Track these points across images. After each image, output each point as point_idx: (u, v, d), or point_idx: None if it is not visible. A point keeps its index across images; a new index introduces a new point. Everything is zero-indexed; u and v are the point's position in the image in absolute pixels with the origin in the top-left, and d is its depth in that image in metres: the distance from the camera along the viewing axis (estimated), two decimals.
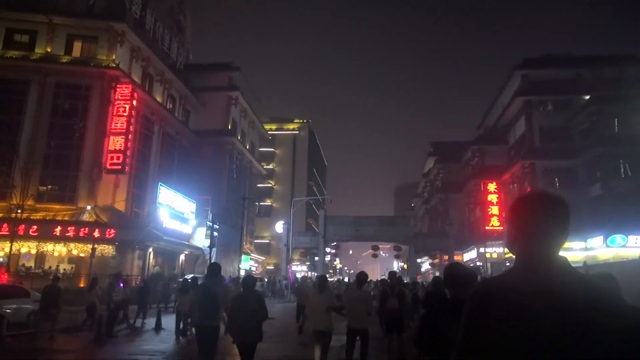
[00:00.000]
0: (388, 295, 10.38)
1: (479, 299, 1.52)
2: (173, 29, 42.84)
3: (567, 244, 1.62)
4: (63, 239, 26.48)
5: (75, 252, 27.09)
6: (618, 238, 28.93)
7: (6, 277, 20.84)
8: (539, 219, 1.57)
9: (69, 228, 26.40)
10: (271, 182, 71.90)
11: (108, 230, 26.57)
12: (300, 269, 58.18)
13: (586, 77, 36.38)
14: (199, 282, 13.63)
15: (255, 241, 58.57)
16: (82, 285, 24.91)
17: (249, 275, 8.27)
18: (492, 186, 40.48)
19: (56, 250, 27.12)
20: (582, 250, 29.94)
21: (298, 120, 78.53)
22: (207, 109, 44.72)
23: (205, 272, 9.54)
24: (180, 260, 36.18)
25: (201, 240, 35.40)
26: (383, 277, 44.45)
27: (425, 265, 59.68)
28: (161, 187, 32.16)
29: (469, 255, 43.84)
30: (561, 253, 1.56)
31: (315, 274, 40.02)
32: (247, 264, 45.76)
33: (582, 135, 34.84)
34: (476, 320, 1.49)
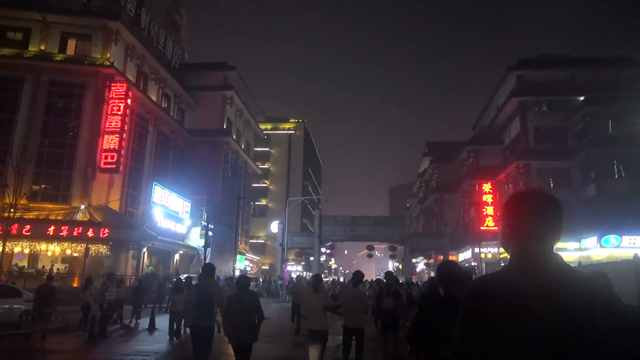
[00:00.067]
0: (384, 295, 10.36)
1: (475, 298, 1.51)
2: (168, 27, 42.78)
3: (561, 244, 1.61)
4: (56, 238, 26.31)
5: (68, 251, 26.91)
6: (612, 238, 29.02)
7: None
8: (532, 217, 1.58)
9: (62, 227, 26.22)
10: (266, 181, 71.80)
11: (102, 229, 26.42)
12: (295, 269, 58.09)
13: (581, 78, 36.53)
14: (193, 282, 13.60)
15: (250, 241, 58.46)
16: (75, 285, 24.77)
17: (243, 275, 8.24)
18: (487, 186, 40.54)
19: (49, 249, 26.93)
20: (577, 250, 30.03)
21: (293, 120, 78.46)
22: (202, 108, 44.58)
23: (200, 272, 9.48)
24: (175, 260, 36.04)
25: (196, 240, 35.29)
26: (378, 277, 44.47)
27: (420, 265, 59.77)
28: (156, 187, 32.00)
29: (464, 256, 43.92)
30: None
31: (311, 274, 39.98)
32: (242, 264, 45.65)
33: (576, 136, 35.00)
34: (473, 319, 1.48)
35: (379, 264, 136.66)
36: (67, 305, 15.54)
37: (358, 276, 8.57)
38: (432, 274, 37.02)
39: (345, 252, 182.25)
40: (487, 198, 40.27)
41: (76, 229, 26.30)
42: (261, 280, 41.03)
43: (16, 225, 25.15)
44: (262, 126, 62.33)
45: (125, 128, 30.40)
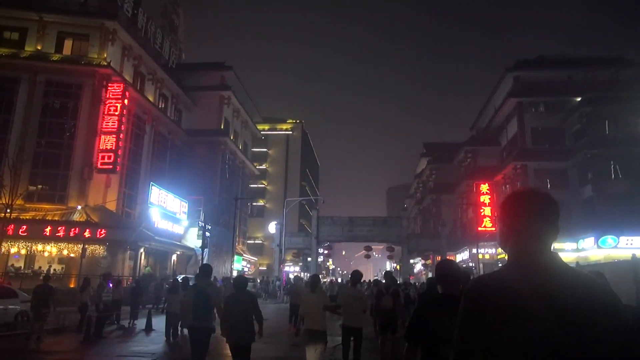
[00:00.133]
0: (383, 294, 10.37)
1: (475, 298, 1.52)
2: (166, 28, 42.69)
3: (558, 245, 1.62)
4: (53, 239, 26.18)
5: (65, 252, 26.79)
6: (609, 239, 29.07)
7: None
8: (530, 216, 1.59)
9: (59, 228, 26.11)
10: (264, 182, 71.72)
11: (99, 230, 26.31)
12: (293, 270, 58.03)
13: (578, 78, 36.61)
14: (190, 283, 13.55)
15: (248, 242, 58.37)
16: (72, 285, 24.67)
17: (240, 275, 8.21)
18: (484, 187, 40.58)
19: (46, 250, 26.80)
20: (574, 251, 30.07)
21: (291, 121, 78.43)
22: (200, 108, 44.51)
23: (197, 273, 9.46)
24: (172, 261, 35.93)
25: (193, 240, 35.18)
26: (376, 277, 44.44)
27: (418, 266, 59.74)
28: (153, 187, 31.90)
29: (462, 256, 43.94)
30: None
31: (308, 275, 39.93)
32: (240, 265, 45.56)
33: (573, 137, 35.05)
34: (472, 319, 1.49)
35: (377, 264, 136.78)
36: (63, 305, 15.44)
37: (356, 276, 8.57)
38: (430, 275, 37.00)
39: (343, 252, 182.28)
40: (485, 199, 40.32)
41: (73, 229, 26.18)
42: (259, 281, 40.96)
43: (12, 225, 25.03)
44: (260, 127, 62.26)
45: (122, 128, 30.30)
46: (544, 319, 1.39)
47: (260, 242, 64.88)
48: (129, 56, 33.71)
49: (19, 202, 26.40)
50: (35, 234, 25.87)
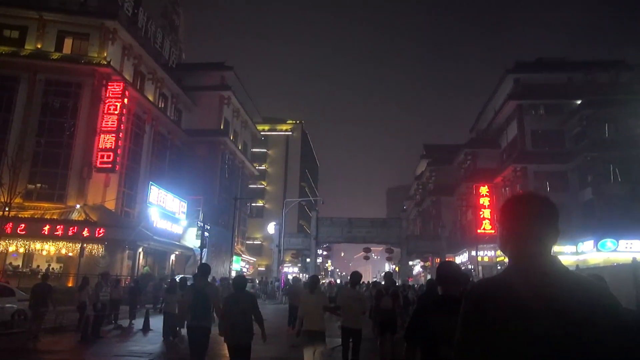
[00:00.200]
0: (382, 295, 10.35)
1: (476, 300, 1.55)
2: (166, 27, 42.67)
3: (558, 248, 1.62)
4: (51, 237, 26.11)
5: (64, 251, 26.72)
6: (609, 242, 29.03)
7: None
8: (529, 220, 1.61)
9: (57, 227, 26.05)
10: (263, 182, 71.67)
11: (97, 229, 26.25)
12: (292, 271, 57.97)
13: (578, 81, 36.60)
14: (188, 283, 13.51)
15: (247, 242, 58.33)
16: (70, 284, 24.61)
17: (240, 275, 8.17)
18: (484, 189, 40.56)
19: (44, 249, 26.72)
20: (573, 254, 30.04)
21: (291, 121, 78.42)
22: (199, 108, 44.48)
23: (196, 273, 9.42)
24: (171, 261, 35.87)
25: (192, 240, 35.11)
26: (375, 279, 44.35)
27: (417, 268, 59.70)
28: (152, 187, 31.86)
29: (461, 259, 43.90)
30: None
31: (307, 276, 39.87)
32: (239, 265, 45.50)
33: (573, 140, 35.04)
34: (473, 320, 1.52)
35: (376, 266, 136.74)
36: (61, 305, 15.39)
37: (356, 277, 8.54)
38: (429, 277, 36.94)
39: (342, 254, 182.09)
40: (484, 201, 40.30)
41: (71, 228, 26.12)
42: (257, 281, 40.90)
43: (11, 224, 24.97)
44: (260, 127, 62.24)
45: (122, 127, 30.26)
46: (544, 319, 1.41)
47: (259, 242, 64.83)
48: (129, 55, 33.68)
49: (18, 200, 26.33)
50: (34, 232, 25.80)
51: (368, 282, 27.08)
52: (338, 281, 55.55)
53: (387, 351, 10.08)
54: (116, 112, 29.82)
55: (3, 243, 24.95)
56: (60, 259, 28.28)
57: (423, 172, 61.99)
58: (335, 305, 8.29)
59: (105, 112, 29.83)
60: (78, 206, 28.11)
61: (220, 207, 41.31)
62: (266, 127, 70.68)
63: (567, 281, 1.49)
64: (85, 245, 25.68)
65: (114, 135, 29.63)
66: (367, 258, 49.10)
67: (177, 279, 17.12)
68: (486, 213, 39.69)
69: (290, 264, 58.96)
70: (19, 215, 26.30)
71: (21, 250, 26.77)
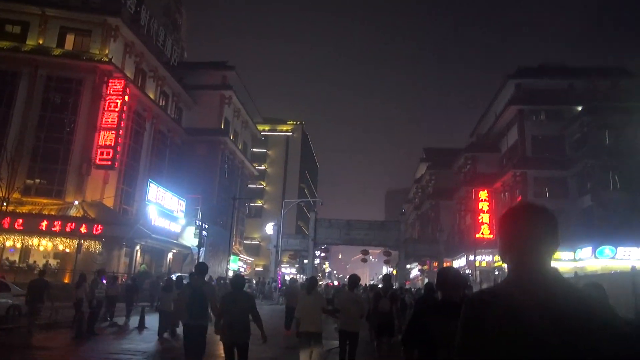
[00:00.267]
0: (380, 297, 10.32)
1: (475, 308, 1.58)
2: (168, 26, 42.67)
3: (556, 254, 1.64)
4: (49, 233, 26.04)
5: (61, 247, 26.66)
6: (607, 250, 29.01)
7: None
8: (528, 231, 1.63)
9: (55, 222, 25.99)
10: (263, 183, 71.62)
11: (95, 226, 26.19)
12: (289, 272, 57.89)
13: (579, 88, 36.61)
14: (184, 281, 13.45)
15: (245, 242, 58.24)
16: (66, 281, 24.54)
17: (238, 275, 8.17)
18: (483, 194, 40.54)
19: (42, 244, 26.68)
20: (571, 260, 30.01)
21: (291, 122, 78.40)
22: (200, 107, 44.43)
23: (193, 271, 9.39)
24: (168, 259, 35.82)
25: (190, 239, 35.09)
26: (372, 281, 44.31)
27: (415, 271, 59.66)
28: (151, 185, 31.83)
29: (459, 263, 43.84)
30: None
31: (305, 277, 39.82)
32: (236, 265, 45.44)
33: (573, 146, 35.00)
34: (473, 327, 1.55)
35: (373, 268, 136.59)
36: (57, 301, 15.32)
37: (354, 280, 8.49)
38: (427, 280, 36.86)
39: (340, 255, 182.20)
40: (483, 206, 40.28)
41: (69, 224, 26.06)
42: (254, 282, 40.83)
43: (8, 219, 24.94)
44: (260, 127, 62.19)
45: (122, 125, 30.22)
46: (541, 328, 1.44)
47: (257, 242, 64.76)
48: (130, 53, 33.66)
49: (16, 195, 26.30)
50: (31, 228, 25.75)
51: (365, 284, 27.02)
52: (335, 283, 55.52)
53: (384, 354, 10.04)
54: (117, 109, 29.79)
55: (0, 238, 24.89)
56: (57, 255, 28.22)
57: (423, 176, 61.96)
58: (334, 307, 8.25)
59: (106, 109, 29.80)
60: (76, 202, 28.05)
61: (219, 207, 41.26)
62: (266, 127, 70.65)
63: (563, 292, 1.53)
64: (82, 241, 25.61)
65: (114, 132, 29.59)
66: (364, 260, 48.99)
67: (174, 277, 17.07)
68: (485, 218, 39.67)
69: (287, 265, 58.91)
70: (17, 210, 26.27)
71: (18, 245, 26.71)
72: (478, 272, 37.32)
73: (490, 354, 1.49)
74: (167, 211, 33.63)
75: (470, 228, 42.03)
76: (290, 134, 76.32)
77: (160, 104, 38.69)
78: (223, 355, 6.93)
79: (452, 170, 51.06)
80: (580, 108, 34.97)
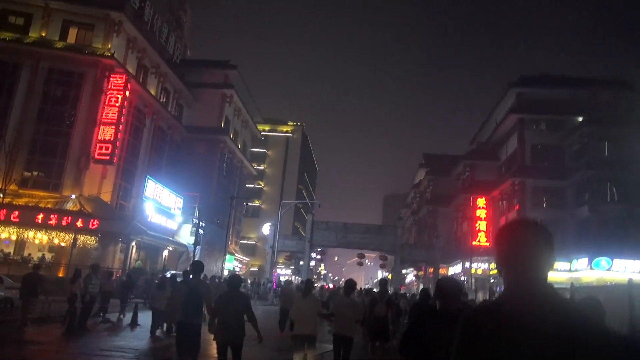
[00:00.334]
0: (376, 301, 10.28)
1: (471, 321, 1.63)
2: (172, 23, 42.59)
3: None
4: (45, 226, 25.88)
5: (56, 241, 26.54)
6: (603, 261, 29.03)
7: None
8: (523, 249, 1.64)
9: (51, 216, 25.84)
10: (261, 183, 71.58)
11: (92, 220, 26.05)
12: (284, 273, 57.79)
13: (580, 98, 36.61)
14: (178, 279, 13.38)
15: (241, 241, 58.12)
16: (61, 275, 24.42)
17: (234, 274, 8.11)
18: (481, 201, 40.55)
19: (37, 237, 26.53)
20: (567, 271, 30.02)
21: (292, 123, 78.41)
22: (201, 105, 44.35)
23: (189, 269, 9.33)
24: (164, 256, 35.70)
25: (186, 237, 34.99)
26: (367, 285, 44.20)
27: (410, 276, 59.61)
28: (149, 181, 31.72)
29: (454, 270, 43.81)
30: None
31: (300, 279, 39.72)
32: (232, 264, 45.32)
33: (573, 156, 35.01)
34: (468, 342, 1.60)
35: (369, 272, 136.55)
36: (51, 295, 15.23)
37: (350, 285, 8.44)
38: (422, 286, 36.81)
39: (336, 258, 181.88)
40: (481, 213, 40.28)
41: (65, 218, 25.93)
42: (249, 282, 40.72)
43: (4, 210, 24.82)
44: (260, 127, 62.16)
45: (122, 120, 30.14)
46: (535, 343, 1.48)
47: (254, 242, 64.68)
48: (133, 48, 33.60)
49: (13, 187, 26.18)
50: (27, 220, 25.61)
51: (361, 288, 26.96)
52: (331, 286, 55.42)
53: (378, 358, 9.99)
54: (117, 104, 29.71)
55: None
56: (52, 248, 28.10)
57: (421, 181, 61.98)
58: (330, 312, 8.21)
59: (106, 103, 29.72)
60: (73, 196, 27.94)
61: (217, 205, 41.17)
62: (267, 128, 70.64)
63: (559, 308, 1.56)
64: (78, 236, 25.50)
65: (113, 127, 29.51)
66: (360, 264, 48.95)
67: (168, 275, 16.99)
68: (482, 225, 39.67)
69: (283, 266, 58.81)
70: (13, 202, 26.15)
71: (13, 237, 26.55)
72: (474, 280, 37.24)
73: None
74: (164, 208, 33.54)
75: (467, 235, 42.01)
76: (290, 134, 76.32)
77: (161, 100, 38.61)
78: (216, 355, 6.88)
79: (451, 177, 51.07)
80: (580, 119, 35.01)
